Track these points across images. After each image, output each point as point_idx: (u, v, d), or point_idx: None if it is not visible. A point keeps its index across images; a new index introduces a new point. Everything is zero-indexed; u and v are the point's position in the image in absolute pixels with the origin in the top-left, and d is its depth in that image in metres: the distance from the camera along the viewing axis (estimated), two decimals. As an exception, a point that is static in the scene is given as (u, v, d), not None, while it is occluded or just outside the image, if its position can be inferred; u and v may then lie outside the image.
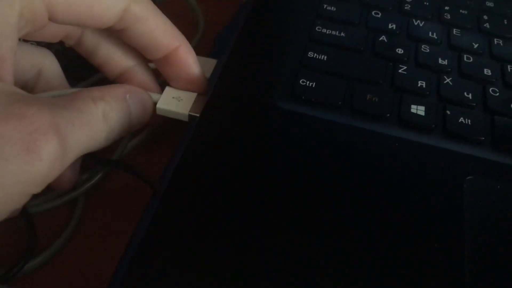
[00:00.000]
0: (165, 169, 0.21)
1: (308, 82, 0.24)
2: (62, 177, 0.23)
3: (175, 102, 0.23)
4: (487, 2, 0.31)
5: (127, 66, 0.24)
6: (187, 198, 0.19)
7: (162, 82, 0.25)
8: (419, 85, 0.25)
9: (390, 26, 0.28)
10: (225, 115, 0.22)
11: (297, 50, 0.26)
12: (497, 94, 0.25)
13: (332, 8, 0.29)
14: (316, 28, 0.27)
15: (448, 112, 0.24)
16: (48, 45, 0.26)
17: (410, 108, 0.24)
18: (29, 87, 0.23)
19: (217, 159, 0.21)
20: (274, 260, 0.18)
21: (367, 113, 0.23)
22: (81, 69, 0.27)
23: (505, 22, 0.30)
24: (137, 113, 0.22)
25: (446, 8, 0.30)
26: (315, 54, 0.26)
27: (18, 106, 0.17)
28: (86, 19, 0.20)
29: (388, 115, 0.23)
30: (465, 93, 0.25)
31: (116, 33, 0.23)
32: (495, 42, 0.28)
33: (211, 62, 0.26)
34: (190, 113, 0.23)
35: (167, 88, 0.24)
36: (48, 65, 0.23)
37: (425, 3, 0.30)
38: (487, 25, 0.29)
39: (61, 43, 0.23)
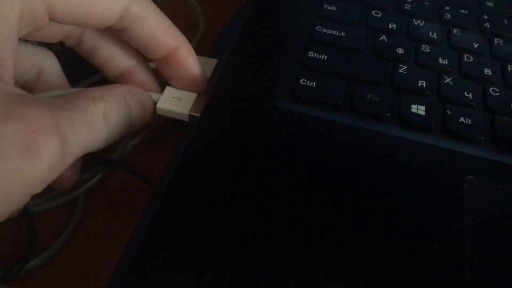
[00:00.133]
0: (165, 169, 0.21)
1: (308, 82, 0.24)
2: (62, 177, 0.23)
3: (176, 102, 0.23)
4: (487, 2, 0.31)
5: (127, 66, 0.24)
6: (187, 198, 0.19)
7: (162, 82, 0.25)
8: (419, 85, 0.25)
9: (390, 26, 0.28)
10: (225, 115, 0.22)
11: (297, 50, 0.26)
12: (498, 94, 0.25)
13: (332, 8, 0.29)
14: (316, 28, 0.27)
15: (448, 112, 0.24)
16: (48, 45, 0.26)
17: (410, 108, 0.24)
18: (29, 87, 0.23)
19: (217, 159, 0.21)
20: (274, 260, 0.18)
21: (367, 113, 0.23)
22: (81, 69, 0.27)
23: (505, 22, 0.30)
24: (137, 113, 0.22)
25: (446, 8, 0.30)
26: (315, 54, 0.26)
27: (19, 106, 0.17)
28: (86, 18, 0.20)
29: (388, 115, 0.23)
30: (466, 93, 0.25)
31: (116, 33, 0.23)
32: (495, 42, 0.28)
33: (211, 62, 0.26)
34: (191, 113, 0.23)
35: (167, 88, 0.24)
36: (48, 65, 0.23)
37: (425, 3, 0.30)
38: (487, 25, 0.29)
39: (61, 43, 0.23)
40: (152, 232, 0.18)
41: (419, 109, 0.24)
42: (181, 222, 0.19)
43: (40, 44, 0.24)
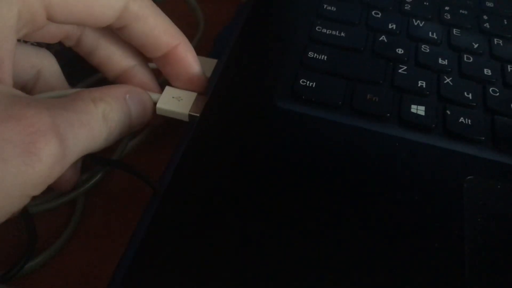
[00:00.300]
0: (165, 169, 0.21)
1: (308, 82, 0.24)
2: (62, 178, 0.23)
3: (175, 102, 0.23)
4: (487, 2, 0.31)
5: (127, 66, 0.24)
6: (187, 198, 0.19)
7: (162, 82, 0.25)
8: (419, 85, 0.25)
9: (390, 26, 0.28)
10: (225, 115, 0.22)
11: (297, 50, 0.26)
12: (497, 94, 0.25)
13: (332, 8, 0.29)
14: (316, 28, 0.27)
15: (448, 112, 0.24)
16: (47, 46, 0.26)
17: (410, 108, 0.24)
18: (28, 87, 0.23)
19: (217, 159, 0.21)
20: (274, 259, 0.18)
21: (367, 113, 0.23)
22: (81, 69, 0.27)
23: (505, 22, 0.30)
24: (137, 113, 0.22)
25: (446, 8, 0.30)
26: (315, 54, 0.26)
27: (18, 108, 0.17)
28: (85, 18, 0.20)
29: (388, 115, 0.23)
30: (465, 93, 0.25)
31: (115, 31, 0.23)
32: (495, 42, 0.28)
33: (211, 62, 0.26)
34: (190, 113, 0.23)
35: (167, 88, 0.24)
36: (48, 65, 0.23)
37: (425, 3, 0.30)
38: (487, 25, 0.29)
39: (60, 43, 0.23)
40: (152, 232, 0.18)
41: (419, 109, 0.24)
42: (181, 222, 0.19)
43: (40, 44, 0.24)
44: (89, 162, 0.25)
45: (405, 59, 0.26)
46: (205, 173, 0.20)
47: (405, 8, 0.30)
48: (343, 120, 0.23)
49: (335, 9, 0.29)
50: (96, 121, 0.19)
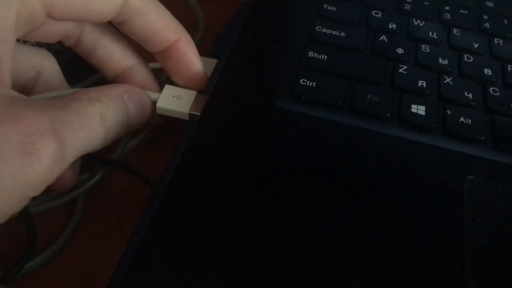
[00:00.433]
0: (165, 169, 0.21)
1: (308, 82, 0.24)
2: (61, 179, 0.23)
3: (175, 101, 0.23)
4: (487, 2, 0.31)
5: (126, 66, 0.24)
6: (188, 198, 0.19)
7: (162, 82, 0.25)
8: (419, 85, 0.25)
9: (390, 26, 0.28)
10: (225, 115, 0.22)
11: (297, 50, 0.26)
12: (498, 94, 0.25)
13: (332, 8, 0.29)
14: (316, 28, 0.27)
15: (448, 112, 0.24)
16: (47, 46, 0.26)
17: (410, 108, 0.24)
18: (28, 88, 0.23)
19: (218, 158, 0.21)
20: (274, 259, 0.18)
21: (367, 113, 0.23)
22: (81, 69, 0.27)
23: (505, 22, 0.30)
24: (135, 113, 0.22)
25: (446, 8, 0.30)
26: (315, 54, 0.26)
27: (16, 109, 0.17)
28: (85, 14, 0.20)
29: (388, 115, 0.23)
30: (466, 93, 0.25)
31: (115, 26, 0.22)
32: (495, 42, 0.28)
33: (212, 62, 0.26)
34: (191, 112, 0.23)
35: (167, 87, 0.24)
36: (47, 66, 0.23)
37: (425, 3, 0.30)
38: (487, 25, 0.29)
39: (60, 43, 0.23)
40: (152, 232, 0.18)
41: (419, 109, 0.24)
42: (181, 222, 0.19)
43: (39, 44, 0.24)
44: (89, 162, 0.25)
45: (405, 59, 0.26)
46: (205, 173, 0.20)
47: (405, 8, 0.30)
48: (343, 120, 0.23)
49: (335, 9, 0.29)
50: (94, 121, 0.19)
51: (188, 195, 0.19)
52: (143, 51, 0.24)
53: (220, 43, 0.32)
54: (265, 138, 0.22)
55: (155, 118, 0.24)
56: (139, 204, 0.21)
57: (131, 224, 0.19)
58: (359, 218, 0.19)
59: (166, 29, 0.22)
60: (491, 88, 0.25)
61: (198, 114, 0.23)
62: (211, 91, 0.23)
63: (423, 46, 0.27)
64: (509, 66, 0.27)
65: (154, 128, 0.28)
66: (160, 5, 0.22)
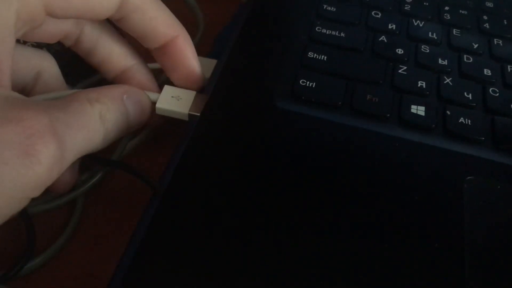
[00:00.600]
0: (165, 169, 0.21)
1: (308, 82, 0.24)
2: (60, 180, 0.23)
3: (175, 102, 0.23)
4: (487, 2, 0.31)
5: (126, 66, 0.24)
6: (187, 198, 0.19)
7: (161, 83, 0.25)
8: (419, 85, 0.25)
9: (390, 26, 0.28)
10: (225, 115, 0.22)
11: (297, 50, 0.26)
12: (497, 94, 0.25)
13: (332, 8, 0.29)
14: (316, 28, 0.27)
15: (448, 112, 0.24)
16: (47, 46, 0.26)
17: (410, 108, 0.24)
18: (28, 89, 0.23)
19: (218, 158, 0.21)
20: (274, 259, 0.18)
21: (367, 113, 0.23)
22: (81, 70, 0.27)
23: (505, 22, 0.30)
24: (135, 114, 0.22)
25: (446, 8, 0.30)
26: (315, 54, 0.26)
27: (16, 110, 0.17)
28: (84, 11, 0.20)
29: (388, 115, 0.23)
30: (465, 93, 0.25)
31: (114, 22, 0.22)
32: (495, 42, 0.28)
33: (211, 63, 0.26)
34: (190, 112, 0.23)
35: (166, 87, 0.24)
36: (47, 67, 0.23)
37: (425, 3, 0.30)
38: (487, 25, 0.29)
39: (60, 43, 0.23)
40: (152, 232, 0.18)
41: (419, 110, 0.24)
42: (181, 222, 0.19)
43: (39, 45, 0.24)
44: (89, 162, 0.25)
45: (405, 59, 0.26)
46: (205, 173, 0.20)
47: (405, 8, 0.30)
48: (343, 120, 0.23)
49: (335, 9, 0.29)
50: (93, 122, 0.19)
51: (188, 195, 0.19)
52: (142, 51, 0.24)
53: (220, 43, 0.32)
54: (265, 138, 0.22)
55: (154, 119, 0.24)
56: (139, 204, 0.21)
57: (131, 224, 0.19)
58: (359, 218, 0.19)
59: (164, 26, 0.22)
60: (490, 89, 0.25)
61: (198, 114, 0.23)
62: (211, 91, 0.23)
63: (423, 46, 0.27)
64: (508, 66, 0.27)
65: (154, 128, 0.28)
66: (159, 2, 0.22)
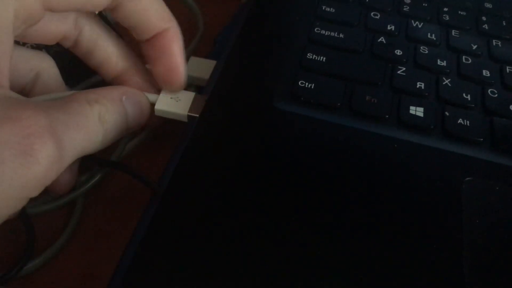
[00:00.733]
0: (164, 170, 0.21)
1: (307, 83, 0.24)
2: (59, 180, 0.23)
3: (173, 103, 0.23)
4: (485, 4, 0.31)
5: (124, 68, 0.24)
6: (187, 198, 0.19)
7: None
8: (418, 86, 0.25)
9: (389, 27, 0.28)
10: (224, 116, 0.23)
11: (296, 51, 0.26)
12: (496, 95, 0.25)
13: (331, 9, 0.29)
14: (315, 30, 0.27)
15: (447, 113, 0.24)
16: (46, 48, 0.26)
17: (409, 109, 0.24)
18: (27, 90, 0.23)
19: (217, 159, 0.21)
20: (274, 260, 0.18)
21: (366, 114, 0.23)
22: (80, 71, 0.27)
23: (504, 24, 0.30)
24: (134, 115, 0.22)
25: (445, 9, 0.30)
26: (314, 56, 0.26)
27: (14, 110, 0.17)
28: (81, 2, 0.20)
29: (387, 116, 0.23)
30: (464, 94, 0.25)
31: (107, 12, 0.22)
32: (494, 43, 0.28)
33: (210, 64, 0.26)
34: (189, 114, 0.23)
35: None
36: (46, 68, 0.23)
37: (423, 4, 0.30)
38: (485, 26, 0.29)
39: (59, 45, 0.23)
40: (151, 232, 0.18)
41: (418, 111, 0.24)
42: (180, 222, 0.19)
43: (38, 46, 0.24)
44: (89, 163, 0.25)
45: (404, 60, 0.26)
46: (204, 174, 0.20)
47: (404, 9, 0.30)
48: (342, 121, 0.23)
49: (333, 10, 0.29)
50: (92, 123, 0.19)
51: (187, 195, 0.19)
52: (141, 52, 0.24)
53: (220, 43, 0.32)
54: (264, 139, 0.22)
55: (153, 120, 0.24)
56: (139, 205, 0.21)
57: (131, 224, 0.19)
58: (358, 219, 0.19)
59: (157, 17, 0.22)
60: (489, 90, 0.25)
61: (196, 115, 0.23)
62: (210, 92, 0.23)
63: (421, 47, 0.27)
64: (507, 67, 0.27)
65: (153, 129, 0.28)
66: None
